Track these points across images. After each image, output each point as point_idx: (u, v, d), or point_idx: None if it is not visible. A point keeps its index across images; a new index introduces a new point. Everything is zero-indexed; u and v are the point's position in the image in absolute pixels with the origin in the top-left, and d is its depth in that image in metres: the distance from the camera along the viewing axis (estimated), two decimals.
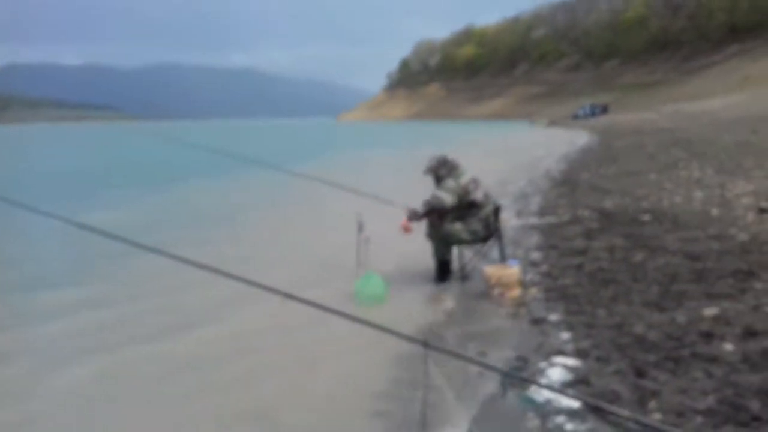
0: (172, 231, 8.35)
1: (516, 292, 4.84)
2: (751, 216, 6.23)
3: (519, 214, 8.78)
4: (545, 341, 3.70)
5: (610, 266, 5.21)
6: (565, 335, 3.75)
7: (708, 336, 3.35)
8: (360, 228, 5.46)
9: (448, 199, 5.28)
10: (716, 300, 3.96)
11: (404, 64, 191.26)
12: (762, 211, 6.25)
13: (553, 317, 4.14)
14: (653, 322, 3.73)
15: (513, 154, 22.74)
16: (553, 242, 6.55)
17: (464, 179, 5.42)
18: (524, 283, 5.03)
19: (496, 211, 5.52)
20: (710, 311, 3.74)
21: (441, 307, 4.83)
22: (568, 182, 12.01)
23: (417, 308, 4.81)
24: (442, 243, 5.42)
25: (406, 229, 5.30)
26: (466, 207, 5.41)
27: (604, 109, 64.70)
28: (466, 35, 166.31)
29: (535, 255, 6.03)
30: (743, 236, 5.50)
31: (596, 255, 5.69)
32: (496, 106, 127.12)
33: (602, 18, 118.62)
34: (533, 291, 4.87)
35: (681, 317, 3.73)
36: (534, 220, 8.15)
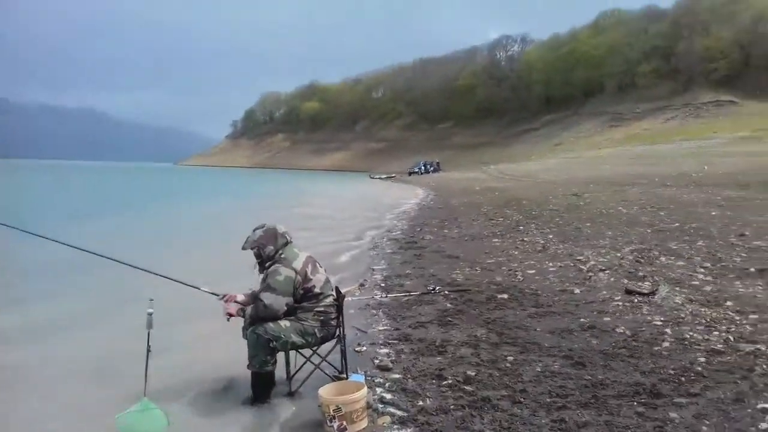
0: None
1: (362, 424, 3.45)
2: (619, 298, 5.58)
3: (362, 286, 7.55)
4: None
5: (479, 374, 4.06)
6: None
7: None
8: (149, 324, 3.70)
9: (282, 305, 3.88)
10: None
11: (249, 114, 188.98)
12: (629, 292, 5.65)
13: None
14: None
15: (354, 209, 21.94)
16: (405, 330, 5.33)
17: (299, 261, 4.01)
18: (372, 406, 3.67)
19: (339, 301, 4.13)
20: None
21: None
22: (412, 245, 11.15)
23: None
24: (263, 347, 3.87)
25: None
26: (299, 298, 3.99)
27: (437, 167, 68.05)
28: (311, 90, 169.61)
29: (384, 353, 4.73)
30: (622, 329, 4.71)
31: (458, 354, 4.54)
32: (337, 159, 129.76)
33: (436, 83, 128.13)
34: (384, 421, 3.51)
35: None
36: (379, 295, 6.95)
